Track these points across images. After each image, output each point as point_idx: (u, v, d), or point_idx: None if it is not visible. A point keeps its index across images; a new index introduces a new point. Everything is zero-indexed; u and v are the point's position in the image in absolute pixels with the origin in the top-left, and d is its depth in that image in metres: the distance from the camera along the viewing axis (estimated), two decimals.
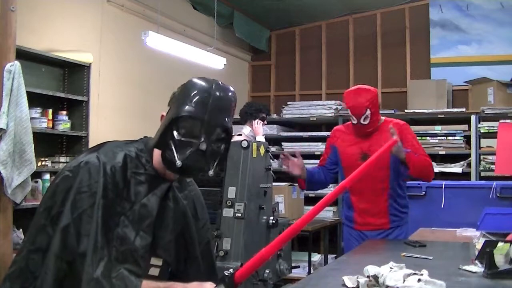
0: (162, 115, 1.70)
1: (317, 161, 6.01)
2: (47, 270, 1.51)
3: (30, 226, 1.61)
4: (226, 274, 1.53)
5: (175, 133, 1.61)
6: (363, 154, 3.20)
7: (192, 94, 1.63)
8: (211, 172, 1.64)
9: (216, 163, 1.66)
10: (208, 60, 5.16)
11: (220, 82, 1.68)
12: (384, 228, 3.25)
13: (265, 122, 4.92)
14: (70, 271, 1.51)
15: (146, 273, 1.65)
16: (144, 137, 1.79)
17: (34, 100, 3.57)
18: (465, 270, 2.13)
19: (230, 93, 1.69)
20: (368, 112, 3.14)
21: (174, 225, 1.74)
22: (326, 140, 3.56)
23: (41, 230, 1.56)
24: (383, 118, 3.35)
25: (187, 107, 1.61)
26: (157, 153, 1.68)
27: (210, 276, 1.78)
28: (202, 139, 1.60)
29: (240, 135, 4.53)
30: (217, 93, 1.63)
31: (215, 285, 1.54)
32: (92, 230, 1.51)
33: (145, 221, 1.61)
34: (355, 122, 3.20)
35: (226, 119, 1.66)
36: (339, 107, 6.20)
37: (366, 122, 3.17)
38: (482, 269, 2.06)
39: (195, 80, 1.67)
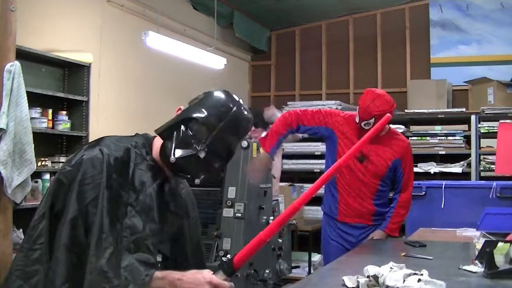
0: (179, 108, 1.72)
1: (317, 161, 6.11)
2: (58, 262, 1.51)
3: (31, 226, 1.60)
4: (224, 260, 1.53)
5: (182, 129, 1.64)
6: (361, 156, 3.20)
7: (214, 103, 1.67)
8: (197, 181, 1.67)
9: (203, 176, 1.68)
10: (208, 60, 5.16)
11: (243, 107, 1.71)
12: (367, 223, 3.33)
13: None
14: (80, 263, 1.51)
15: (157, 265, 1.64)
16: (137, 133, 1.79)
17: (34, 100, 3.57)
18: (465, 270, 2.13)
19: (248, 122, 1.72)
20: (372, 121, 3.10)
21: (175, 220, 1.75)
22: (320, 111, 3.36)
23: (42, 227, 1.57)
24: (387, 126, 3.29)
25: (203, 112, 1.64)
26: (156, 146, 1.70)
27: None
28: (204, 148, 1.63)
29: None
30: (236, 113, 1.67)
31: (213, 272, 1.54)
32: (96, 220, 1.51)
33: (152, 210, 1.62)
34: (357, 121, 3.20)
35: (234, 143, 1.70)
36: (339, 107, 6.19)
37: (366, 128, 3.12)
38: (482, 269, 2.06)
39: (222, 92, 1.71)
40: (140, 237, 1.56)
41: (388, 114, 2.15)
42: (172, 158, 1.61)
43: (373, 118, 3.09)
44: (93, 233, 1.50)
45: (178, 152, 1.62)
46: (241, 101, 1.72)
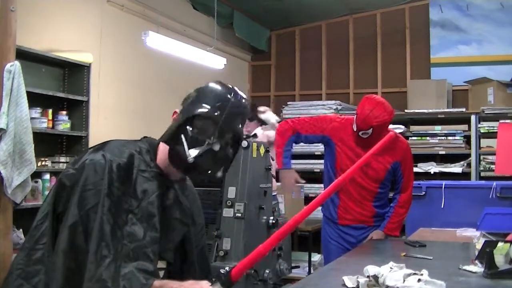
0: (175, 112, 1.71)
1: (317, 161, 6.11)
2: (56, 268, 1.50)
3: (34, 226, 1.60)
4: (222, 272, 1.53)
5: (189, 129, 1.62)
6: None
7: (211, 96, 1.67)
8: (219, 174, 1.67)
9: (223, 167, 1.68)
10: (208, 60, 5.16)
11: (237, 90, 1.72)
12: (368, 225, 3.34)
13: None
14: (78, 269, 1.50)
15: (157, 274, 1.64)
16: (145, 137, 1.79)
17: (34, 100, 3.57)
18: (465, 270, 2.13)
19: (245, 102, 1.73)
20: (370, 131, 3.08)
21: (180, 227, 1.74)
22: (316, 118, 3.48)
23: (45, 227, 1.56)
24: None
25: (204, 107, 1.64)
26: (161, 151, 1.68)
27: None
28: (216, 140, 1.62)
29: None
30: (234, 100, 1.68)
31: (210, 284, 1.54)
32: (96, 227, 1.50)
33: (153, 218, 1.61)
34: (354, 129, 3.18)
35: (239, 126, 1.69)
36: (339, 107, 6.19)
37: (364, 137, 3.12)
38: (482, 269, 2.06)
39: (215, 84, 1.71)
40: (140, 245, 1.55)
41: (391, 133, 2.15)
42: (190, 159, 1.59)
43: (371, 128, 3.07)
44: (92, 240, 1.49)
45: (193, 152, 1.60)
46: (235, 87, 1.72)
